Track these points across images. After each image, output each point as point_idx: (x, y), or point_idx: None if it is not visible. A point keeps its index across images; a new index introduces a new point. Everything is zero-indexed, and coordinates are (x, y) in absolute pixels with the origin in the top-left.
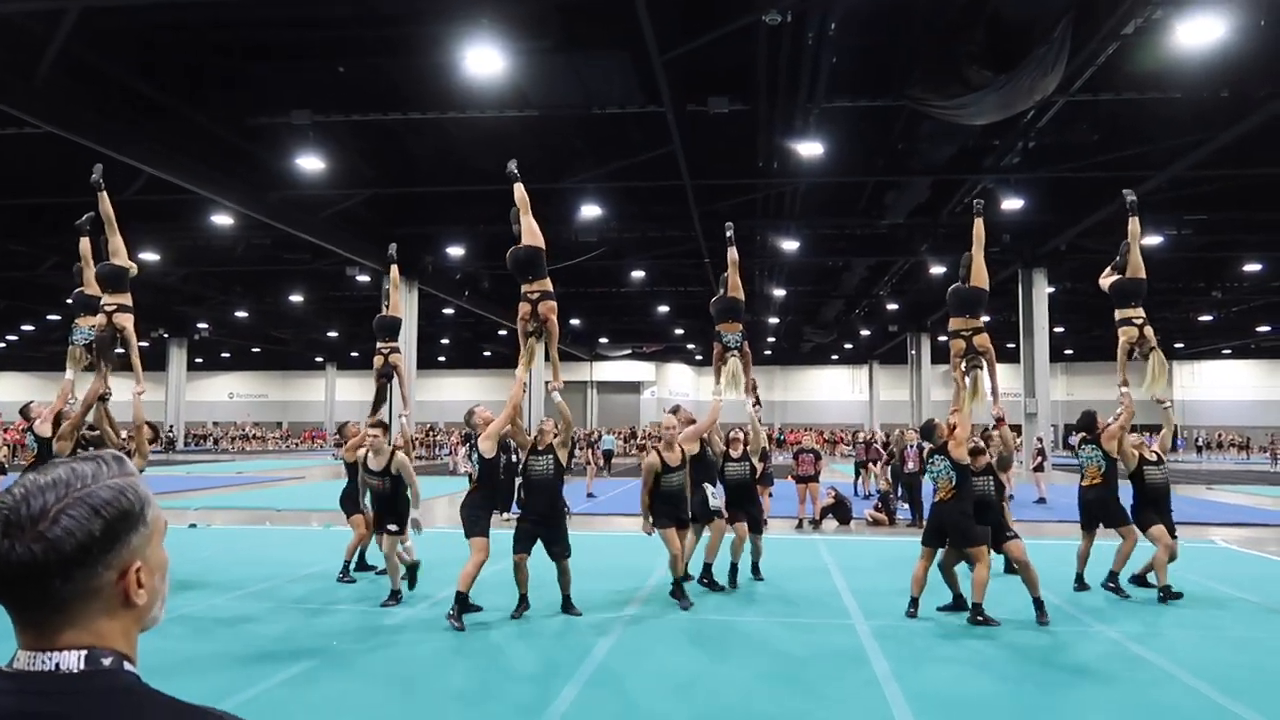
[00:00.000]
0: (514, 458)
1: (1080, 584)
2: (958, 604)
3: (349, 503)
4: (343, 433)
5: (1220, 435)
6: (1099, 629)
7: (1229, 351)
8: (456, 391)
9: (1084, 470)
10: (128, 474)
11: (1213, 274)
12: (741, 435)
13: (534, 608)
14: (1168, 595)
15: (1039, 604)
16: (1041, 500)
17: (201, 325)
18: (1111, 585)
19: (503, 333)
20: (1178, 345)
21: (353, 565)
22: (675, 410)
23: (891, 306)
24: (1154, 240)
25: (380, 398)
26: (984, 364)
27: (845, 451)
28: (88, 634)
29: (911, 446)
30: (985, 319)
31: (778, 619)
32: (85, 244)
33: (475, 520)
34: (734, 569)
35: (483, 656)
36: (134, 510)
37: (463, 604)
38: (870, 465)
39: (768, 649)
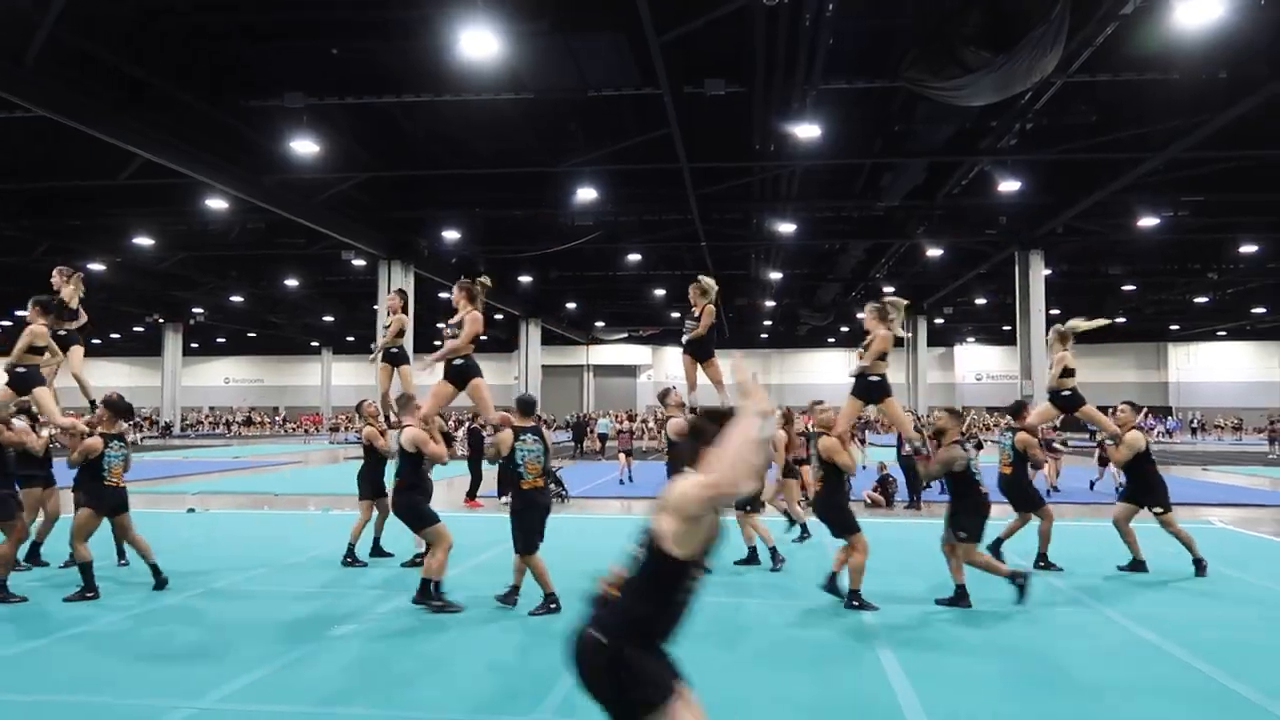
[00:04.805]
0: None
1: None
2: (960, 596)
3: (366, 484)
4: (360, 410)
5: (1221, 419)
6: (1097, 608)
7: (1224, 333)
8: None
9: (1000, 456)
10: None
11: (1209, 256)
12: None
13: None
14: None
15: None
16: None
17: (197, 310)
18: (1041, 564)
19: (499, 317)
20: (1173, 327)
21: (357, 549)
22: (666, 394)
23: (888, 289)
24: (1151, 222)
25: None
26: None
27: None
28: None
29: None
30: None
31: (776, 601)
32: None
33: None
34: None
35: (481, 644)
36: None
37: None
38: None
39: (767, 632)
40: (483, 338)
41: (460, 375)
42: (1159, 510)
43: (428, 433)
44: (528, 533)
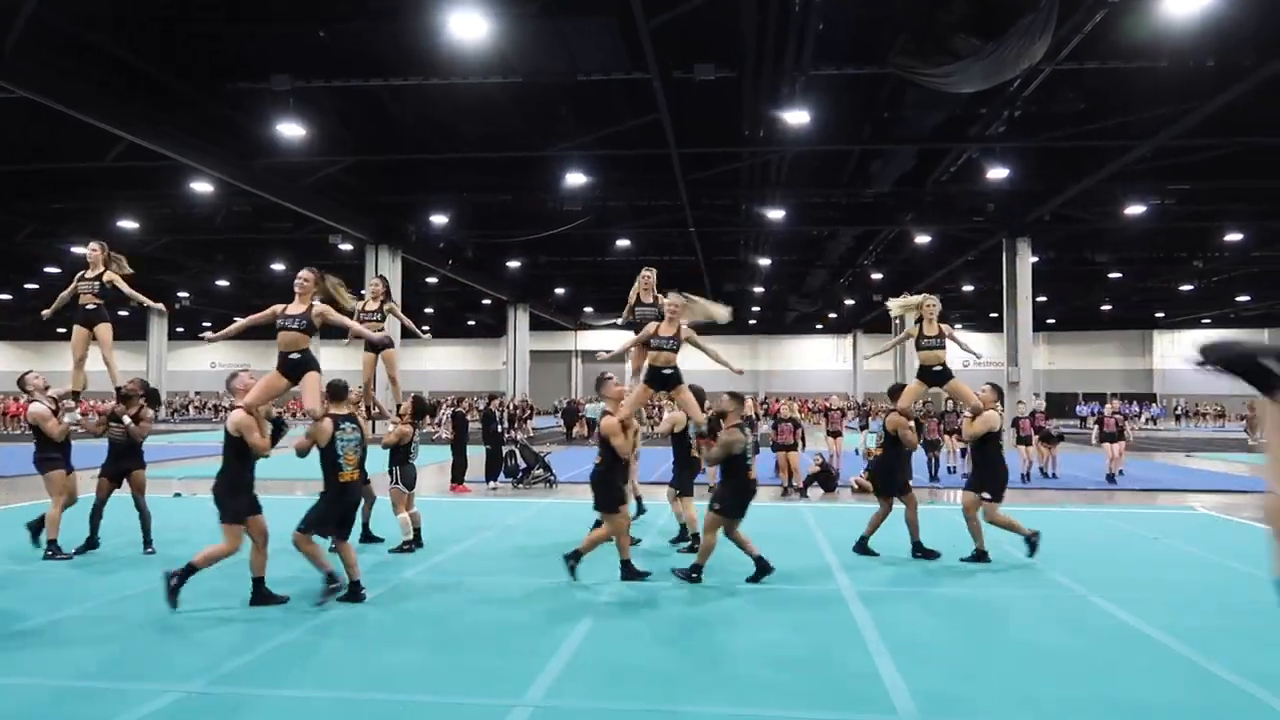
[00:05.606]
0: (499, 427)
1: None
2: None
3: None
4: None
5: (1205, 406)
6: (1072, 587)
7: (1209, 321)
8: (440, 361)
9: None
10: None
11: (1194, 243)
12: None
13: (540, 575)
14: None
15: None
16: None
17: (182, 294)
18: (920, 554)
19: (486, 302)
20: (1158, 314)
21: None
22: (602, 382)
23: (876, 276)
24: (1137, 210)
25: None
26: None
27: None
28: None
29: None
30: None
31: (765, 585)
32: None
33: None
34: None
35: (473, 634)
36: None
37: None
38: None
39: (756, 616)
40: (469, 323)
41: (295, 369)
42: (987, 497)
43: (254, 420)
44: (322, 519)
